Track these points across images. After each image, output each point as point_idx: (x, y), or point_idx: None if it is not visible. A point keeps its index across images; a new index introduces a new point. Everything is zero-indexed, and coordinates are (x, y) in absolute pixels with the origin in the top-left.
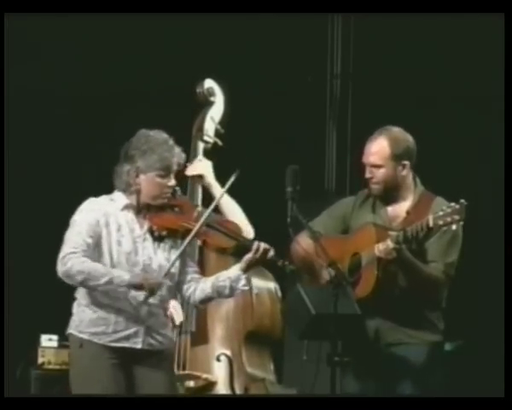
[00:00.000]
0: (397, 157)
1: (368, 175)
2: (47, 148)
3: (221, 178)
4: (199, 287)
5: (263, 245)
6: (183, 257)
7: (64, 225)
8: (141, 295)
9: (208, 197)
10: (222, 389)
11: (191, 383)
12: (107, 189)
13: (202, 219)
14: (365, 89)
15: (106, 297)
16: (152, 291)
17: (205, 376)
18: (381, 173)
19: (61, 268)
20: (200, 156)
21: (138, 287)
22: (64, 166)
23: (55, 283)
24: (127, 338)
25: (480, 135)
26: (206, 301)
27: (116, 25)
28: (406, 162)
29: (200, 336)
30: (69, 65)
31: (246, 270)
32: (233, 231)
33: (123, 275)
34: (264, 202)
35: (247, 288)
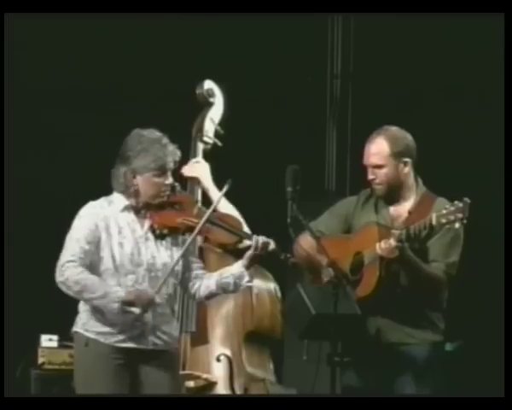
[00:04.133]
0: (397, 155)
1: (370, 176)
2: (47, 147)
3: (221, 177)
4: (203, 283)
5: (261, 239)
6: (186, 254)
7: (63, 225)
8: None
9: (207, 199)
10: (222, 389)
11: (191, 383)
12: (107, 189)
13: (202, 222)
14: (365, 89)
15: None
16: (145, 309)
17: (205, 376)
18: (383, 173)
19: (58, 277)
20: (198, 158)
21: (131, 304)
22: (63, 166)
23: (55, 283)
24: (133, 338)
25: (480, 135)
26: (211, 297)
27: (116, 25)
28: (407, 160)
29: (201, 337)
30: (69, 65)
31: (248, 266)
32: (234, 226)
33: (118, 291)
34: (265, 202)
35: (251, 284)
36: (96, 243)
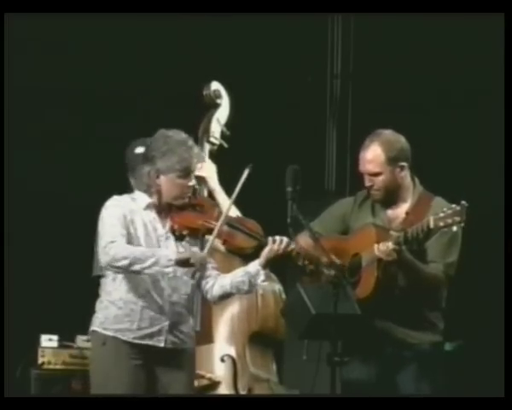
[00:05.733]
0: (393, 160)
1: (368, 183)
2: (47, 148)
3: (221, 177)
4: (217, 283)
5: (279, 238)
6: None
7: (63, 224)
8: (167, 289)
9: (212, 199)
10: (226, 389)
11: (195, 383)
12: (108, 189)
13: (221, 220)
14: (365, 89)
15: (131, 294)
16: (200, 265)
17: (209, 375)
18: (380, 180)
19: (104, 258)
20: (205, 158)
21: (185, 263)
22: (64, 165)
23: (55, 283)
24: (151, 336)
25: (480, 135)
26: (225, 297)
27: (118, 25)
28: (403, 164)
29: (205, 336)
30: (69, 65)
31: (265, 265)
32: (254, 231)
33: (169, 254)
34: (265, 202)
35: (266, 283)
36: (126, 233)
